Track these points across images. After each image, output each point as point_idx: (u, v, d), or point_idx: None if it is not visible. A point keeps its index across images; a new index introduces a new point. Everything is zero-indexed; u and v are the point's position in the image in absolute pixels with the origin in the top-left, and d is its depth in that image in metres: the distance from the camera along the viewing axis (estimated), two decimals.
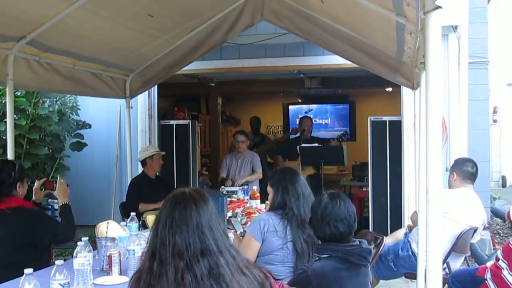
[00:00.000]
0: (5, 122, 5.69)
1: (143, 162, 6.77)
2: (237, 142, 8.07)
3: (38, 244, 3.94)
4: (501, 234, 8.02)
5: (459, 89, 7.27)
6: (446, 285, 4.78)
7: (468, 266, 5.49)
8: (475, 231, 5.00)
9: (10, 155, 5.10)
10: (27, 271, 2.71)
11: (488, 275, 4.28)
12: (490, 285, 4.24)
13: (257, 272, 2.28)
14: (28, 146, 7.20)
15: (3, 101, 6.61)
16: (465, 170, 5.11)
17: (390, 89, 10.98)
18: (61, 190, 4.33)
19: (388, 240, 5.21)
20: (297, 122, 10.22)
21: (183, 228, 2.19)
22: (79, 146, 7.97)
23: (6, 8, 4.25)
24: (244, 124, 13.71)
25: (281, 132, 14.55)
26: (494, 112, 14.62)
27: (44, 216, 4.19)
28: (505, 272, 4.11)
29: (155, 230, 2.24)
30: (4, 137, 6.47)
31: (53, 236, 4.02)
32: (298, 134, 9.71)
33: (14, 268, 3.54)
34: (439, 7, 2.28)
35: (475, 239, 5.22)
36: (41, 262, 3.82)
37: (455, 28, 7.18)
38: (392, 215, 7.59)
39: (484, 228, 5.85)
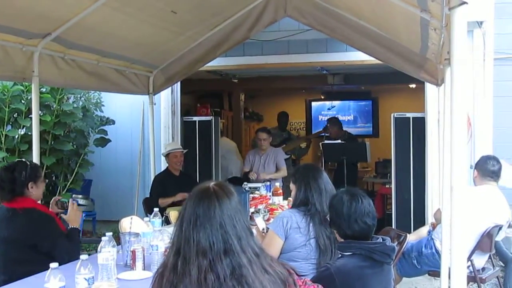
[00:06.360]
0: (31, 118, 5.76)
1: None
2: (260, 140, 7.78)
3: (38, 248, 3.84)
4: None
5: (484, 85, 7.17)
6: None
7: (493, 264, 5.43)
8: (500, 228, 4.96)
9: (35, 151, 5.16)
10: (53, 265, 2.73)
11: None
12: None
13: (280, 270, 2.24)
14: (52, 142, 7.26)
15: (29, 97, 6.69)
16: (485, 168, 5.08)
17: (413, 85, 10.90)
18: (72, 214, 4.17)
19: (411, 238, 5.18)
20: (326, 122, 10.21)
21: (207, 226, 2.14)
22: (103, 142, 8.02)
23: (32, 5, 4.30)
24: (267, 120, 13.70)
25: (304, 128, 14.52)
26: None
27: (52, 222, 3.99)
28: None
29: (180, 226, 2.19)
30: (29, 133, 6.55)
31: (51, 245, 3.86)
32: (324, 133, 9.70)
33: (17, 266, 3.66)
34: (464, 2, 2.26)
35: (499, 237, 5.17)
36: (42, 265, 3.36)
37: (480, 23, 7.08)
38: (415, 212, 7.55)
39: (509, 226, 5.78)
